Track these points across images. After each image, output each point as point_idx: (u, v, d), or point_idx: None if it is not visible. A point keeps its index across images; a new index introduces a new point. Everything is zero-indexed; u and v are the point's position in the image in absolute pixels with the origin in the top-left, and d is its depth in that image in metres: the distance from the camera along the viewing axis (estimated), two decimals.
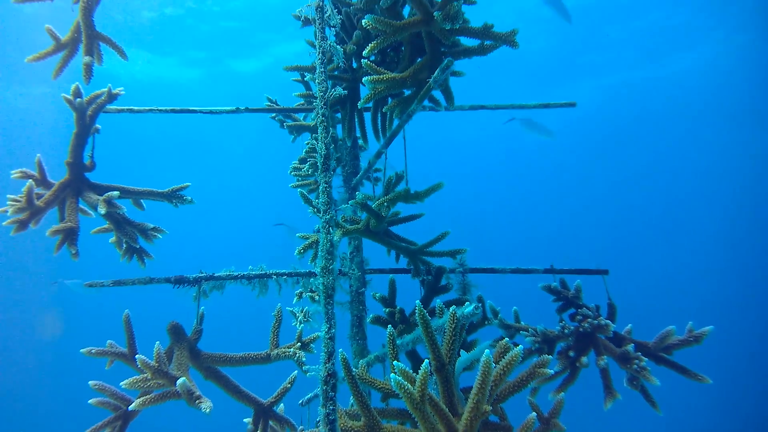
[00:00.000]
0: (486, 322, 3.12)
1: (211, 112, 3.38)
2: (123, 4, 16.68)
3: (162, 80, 22.01)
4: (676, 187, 33.95)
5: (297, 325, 3.31)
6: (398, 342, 2.35)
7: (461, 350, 2.08)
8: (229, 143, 31.84)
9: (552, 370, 1.96)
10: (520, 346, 1.80)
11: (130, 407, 2.56)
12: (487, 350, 1.65)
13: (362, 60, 2.52)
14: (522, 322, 3.18)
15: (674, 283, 32.26)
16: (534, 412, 1.81)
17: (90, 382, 2.65)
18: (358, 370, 2.07)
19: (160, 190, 3.18)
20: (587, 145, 32.23)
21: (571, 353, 2.98)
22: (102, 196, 2.91)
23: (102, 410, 2.69)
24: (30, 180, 2.87)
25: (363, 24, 2.32)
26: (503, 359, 1.77)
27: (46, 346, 27.07)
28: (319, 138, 1.94)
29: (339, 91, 2.40)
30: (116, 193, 2.95)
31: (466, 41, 2.56)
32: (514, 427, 1.96)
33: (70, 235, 2.91)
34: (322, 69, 2.09)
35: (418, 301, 1.81)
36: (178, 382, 2.49)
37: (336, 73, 3.05)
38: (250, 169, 33.77)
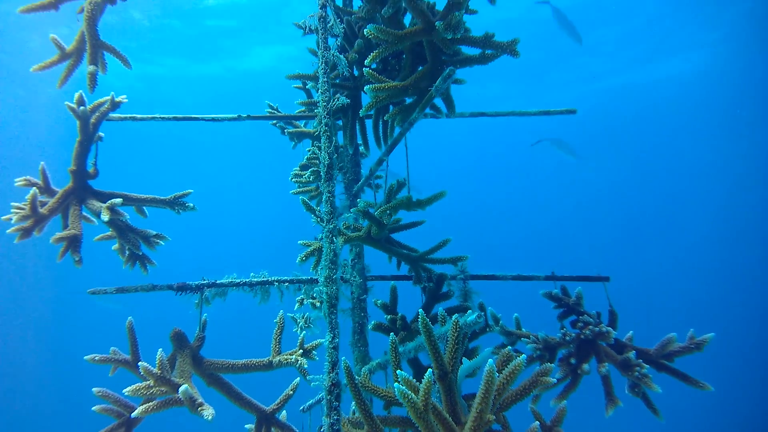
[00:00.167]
0: (487, 329, 3.13)
1: (213, 119, 3.40)
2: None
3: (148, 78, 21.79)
4: (675, 190, 33.97)
5: (298, 331, 3.32)
6: (400, 349, 2.36)
7: (463, 358, 2.09)
8: (230, 149, 31.90)
9: (554, 379, 1.97)
10: (523, 355, 1.81)
11: (133, 414, 2.57)
12: (490, 360, 1.66)
13: (364, 68, 2.54)
14: (523, 329, 3.19)
15: (675, 288, 32.24)
16: (537, 421, 1.81)
17: (93, 389, 2.66)
18: (361, 377, 2.08)
19: (162, 197, 3.19)
20: (587, 150, 32.26)
21: (573, 360, 2.98)
22: (105, 203, 2.93)
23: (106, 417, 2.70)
24: (34, 188, 2.88)
25: (365, 33, 2.34)
26: (506, 368, 1.78)
27: (48, 351, 27.06)
28: (323, 148, 1.96)
29: (342, 100, 2.42)
30: (119, 200, 2.97)
31: (467, 50, 2.58)
32: None
33: (73, 243, 2.92)
34: (325, 79, 2.10)
35: (421, 310, 1.82)
36: (181, 389, 2.50)
37: (338, 81, 3.07)
38: (252, 176, 33.82)
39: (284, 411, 2.89)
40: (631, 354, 2.85)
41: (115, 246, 3.20)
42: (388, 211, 2.69)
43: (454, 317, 1.85)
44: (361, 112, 2.62)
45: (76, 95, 2.91)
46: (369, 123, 3.20)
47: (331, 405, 1.69)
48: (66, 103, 2.89)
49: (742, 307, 29.30)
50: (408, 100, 2.75)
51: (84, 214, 3.06)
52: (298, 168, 3.96)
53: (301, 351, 2.84)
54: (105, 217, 2.88)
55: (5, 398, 24.33)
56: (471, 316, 1.94)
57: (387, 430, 2.21)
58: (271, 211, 31.71)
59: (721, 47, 21.05)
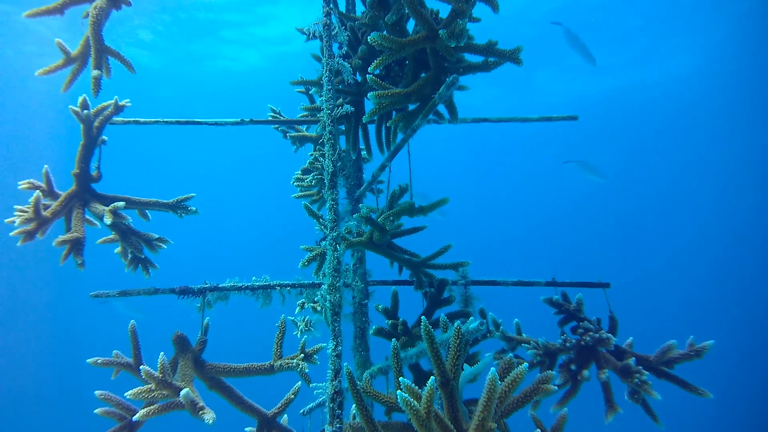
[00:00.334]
0: (488, 335, 3.14)
1: (216, 123, 3.41)
2: None
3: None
4: (675, 192, 33.97)
5: (298, 335, 3.33)
6: (402, 355, 2.37)
7: (464, 364, 2.10)
8: (232, 152, 31.93)
9: (555, 386, 1.98)
10: (525, 364, 1.82)
11: (134, 418, 2.57)
12: (493, 368, 1.67)
13: (367, 75, 2.55)
14: (524, 335, 3.20)
15: (675, 292, 32.24)
16: (538, 429, 1.83)
17: (96, 392, 2.66)
18: (363, 383, 2.09)
19: (165, 201, 3.20)
20: (587, 154, 32.29)
21: (573, 366, 2.99)
22: (108, 206, 2.94)
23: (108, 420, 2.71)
24: (37, 191, 2.89)
25: (369, 40, 2.35)
26: (508, 376, 1.79)
27: (49, 353, 27.05)
28: (327, 155, 1.97)
29: (347, 108, 2.43)
30: (122, 203, 2.98)
31: (470, 56, 2.59)
32: None
33: (76, 246, 2.93)
34: (330, 86, 2.12)
35: (424, 318, 1.83)
36: (182, 393, 2.51)
37: (341, 86, 3.08)
38: (253, 179, 33.84)
39: (285, 415, 2.89)
40: (631, 361, 2.86)
41: (118, 249, 3.21)
42: (390, 218, 2.70)
43: (456, 324, 1.86)
44: (364, 118, 2.63)
45: (80, 99, 2.92)
46: (372, 128, 3.21)
47: (333, 413, 1.70)
48: (70, 106, 2.91)
49: (742, 311, 29.29)
50: (411, 107, 2.76)
51: (87, 217, 3.07)
52: (299, 172, 3.97)
53: (302, 355, 2.85)
54: (108, 220, 2.89)
55: (6, 399, 24.33)
56: (473, 324, 1.95)
57: None
58: (273, 214, 31.72)
59: (717, 48, 21.07)
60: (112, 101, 3.05)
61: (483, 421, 1.62)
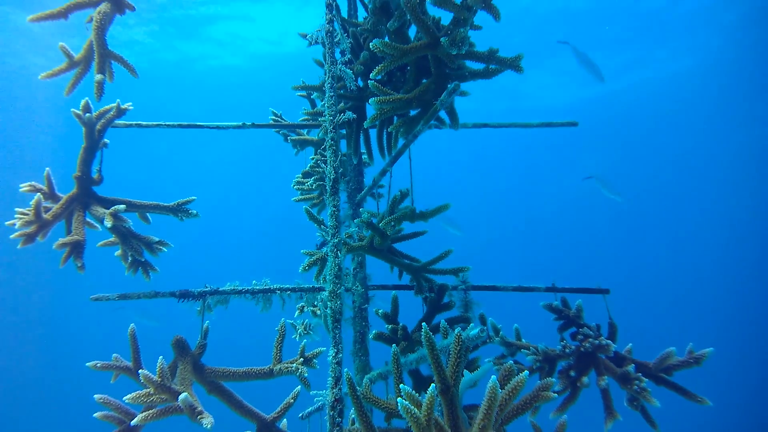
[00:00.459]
0: (488, 340, 3.14)
1: (217, 127, 3.42)
2: None
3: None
4: (675, 196, 33.99)
5: (297, 338, 3.33)
6: (402, 361, 2.37)
7: (464, 370, 2.10)
8: (233, 155, 31.92)
9: (555, 393, 1.98)
10: (525, 372, 1.82)
11: (133, 422, 2.57)
12: (493, 376, 1.68)
13: (369, 81, 2.56)
14: (523, 340, 3.20)
15: (675, 299, 32.25)
16: None
17: (95, 396, 2.66)
18: (362, 388, 2.09)
19: (165, 204, 3.20)
20: (588, 158, 32.32)
21: (572, 373, 3.00)
22: (109, 209, 2.94)
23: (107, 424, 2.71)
24: (38, 193, 2.89)
25: (371, 47, 2.36)
26: (509, 384, 1.80)
27: (49, 356, 27.00)
28: (328, 162, 1.97)
29: (349, 115, 2.43)
30: (123, 206, 2.98)
31: (471, 63, 2.60)
32: None
33: (76, 248, 2.93)
34: (332, 93, 2.12)
35: (424, 324, 1.84)
36: (180, 397, 2.50)
37: (342, 92, 3.09)
38: (254, 183, 33.82)
39: (285, 419, 2.89)
40: (631, 367, 2.87)
41: (118, 252, 3.21)
42: (392, 223, 2.71)
43: (456, 330, 1.87)
44: (366, 124, 2.64)
45: (83, 102, 2.92)
46: (373, 133, 3.22)
47: (333, 421, 1.70)
48: (72, 110, 2.91)
49: (741, 316, 29.30)
50: (412, 112, 2.77)
51: (88, 220, 3.07)
52: (300, 175, 3.98)
53: (301, 359, 2.85)
54: (108, 223, 2.89)
55: (7, 401, 24.29)
56: (474, 330, 1.95)
57: None
58: (273, 217, 31.71)
59: (716, 49, 21.14)
60: (115, 104, 3.05)
61: (483, 429, 1.62)
